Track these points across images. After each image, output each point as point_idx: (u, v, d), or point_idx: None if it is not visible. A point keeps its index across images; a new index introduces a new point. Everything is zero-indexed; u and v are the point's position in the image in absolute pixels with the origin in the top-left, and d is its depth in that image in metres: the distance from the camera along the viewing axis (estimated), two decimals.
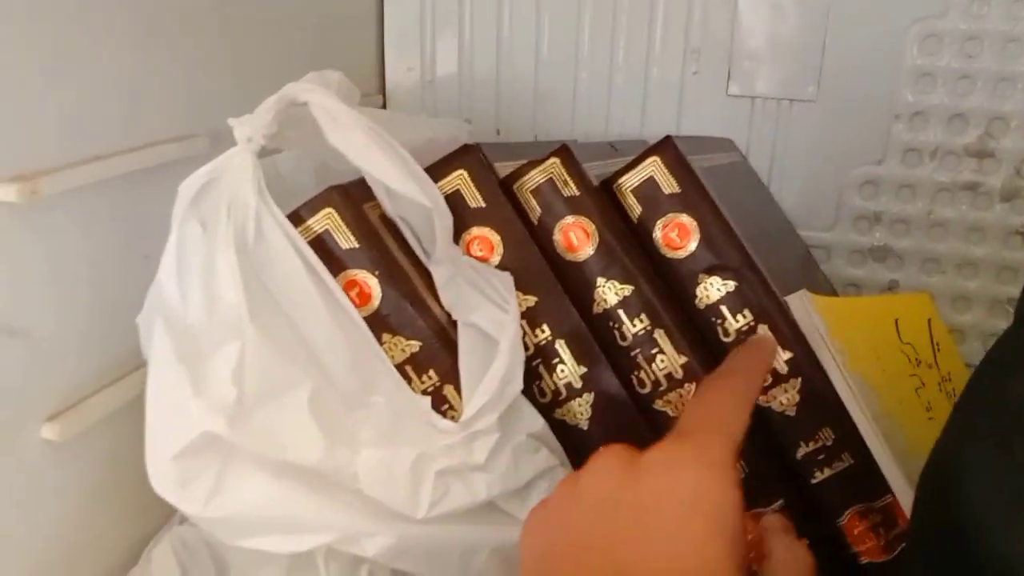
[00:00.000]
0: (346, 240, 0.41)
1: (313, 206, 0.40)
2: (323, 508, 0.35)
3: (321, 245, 0.40)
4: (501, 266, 0.43)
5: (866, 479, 0.43)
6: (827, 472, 0.43)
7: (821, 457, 0.43)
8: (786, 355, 0.43)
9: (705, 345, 0.44)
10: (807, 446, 0.43)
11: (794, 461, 0.43)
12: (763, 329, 0.43)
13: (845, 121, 0.59)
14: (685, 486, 0.27)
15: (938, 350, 0.56)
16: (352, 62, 0.66)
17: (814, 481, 0.43)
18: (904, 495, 0.42)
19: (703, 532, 0.26)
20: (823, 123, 0.59)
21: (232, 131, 0.49)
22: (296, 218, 0.40)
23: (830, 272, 0.61)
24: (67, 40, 0.40)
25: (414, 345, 0.41)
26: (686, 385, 0.43)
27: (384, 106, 0.67)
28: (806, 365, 0.43)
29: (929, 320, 0.57)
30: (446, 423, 0.38)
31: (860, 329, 0.51)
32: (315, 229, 0.40)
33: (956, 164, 0.58)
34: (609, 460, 0.29)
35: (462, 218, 0.43)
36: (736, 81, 0.60)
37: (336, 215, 0.40)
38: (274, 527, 0.35)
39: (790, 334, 0.43)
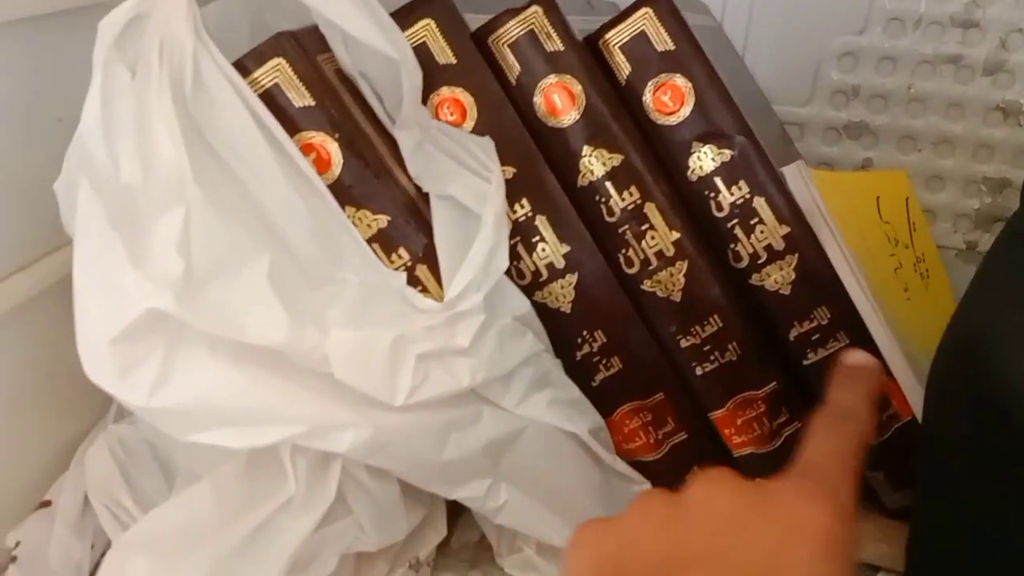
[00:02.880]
0: (300, 97, 0.35)
1: (259, 56, 0.35)
2: (289, 395, 0.31)
3: (271, 101, 0.34)
4: (474, 131, 0.38)
5: None
6: (820, 353, 0.41)
7: (815, 337, 0.41)
8: (783, 230, 0.40)
9: (695, 220, 0.40)
10: (800, 326, 0.41)
11: (786, 342, 0.41)
12: (760, 203, 0.40)
13: None
14: (820, 525, 0.24)
15: (914, 230, 0.55)
16: None
17: (806, 363, 0.41)
18: (902, 375, 0.40)
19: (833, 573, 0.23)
20: None
21: None
22: (240, 69, 0.34)
23: (804, 149, 0.58)
24: None
25: (381, 220, 0.36)
26: (677, 263, 0.40)
27: None
28: (803, 241, 0.40)
29: (906, 199, 0.55)
30: (427, 302, 0.33)
31: (844, 205, 0.49)
32: (263, 83, 0.35)
33: (940, 34, 0.55)
34: (723, 479, 0.26)
35: (429, 76, 0.38)
36: None
37: (287, 66, 0.35)
38: (232, 418, 0.31)
39: (787, 208, 0.40)
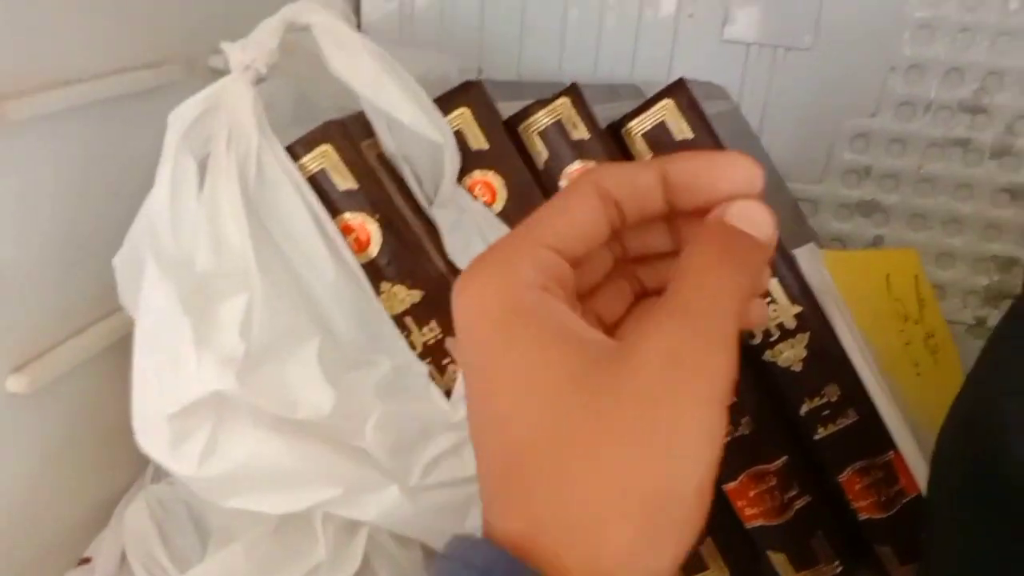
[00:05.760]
0: (343, 180, 0.38)
1: (309, 142, 0.37)
2: (324, 465, 0.33)
3: (316, 186, 0.37)
4: (503, 213, 0.41)
5: (869, 436, 0.42)
6: (830, 428, 0.42)
7: (825, 413, 0.42)
8: (795, 309, 0.42)
9: None
10: (811, 402, 0.42)
11: (797, 416, 0.43)
12: (772, 283, 0.42)
13: (840, 72, 0.57)
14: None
15: (923, 306, 0.56)
16: None
17: (816, 437, 0.43)
18: (908, 451, 0.41)
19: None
20: (818, 73, 0.57)
21: (207, 58, 0.45)
22: (290, 154, 0.37)
23: (816, 225, 0.60)
24: None
25: (415, 295, 0.38)
26: None
27: None
28: (814, 320, 0.42)
29: (916, 276, 0.57)
30: (443, 404, 0.35)
31: (855, 284, 0.51)
32: (310, 168, 0.37)
33: (949, 119, 0.57)
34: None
35: (463, 160, 0.40)
36: (732, 26, 0.57)
37: (334, 152, 0.37)
38: (271, 485, 0.33)
39: (798, 288, 0.42)
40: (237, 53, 0.34)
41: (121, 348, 0.35)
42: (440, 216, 0.39)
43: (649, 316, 0.21)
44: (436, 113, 0.36)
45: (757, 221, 0.23)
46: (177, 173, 0.32)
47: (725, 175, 0.24)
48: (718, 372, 0.20)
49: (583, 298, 0.26)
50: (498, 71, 0.62)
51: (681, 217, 0.25)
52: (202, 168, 0.34)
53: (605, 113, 0.45)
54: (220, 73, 0.36)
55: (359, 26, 0.62)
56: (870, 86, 0.57)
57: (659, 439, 0.20)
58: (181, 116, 0.33)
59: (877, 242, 0.61)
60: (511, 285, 0.22)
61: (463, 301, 0.22)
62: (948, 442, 0.35)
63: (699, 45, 0.58)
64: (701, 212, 0.24)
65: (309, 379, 0.31)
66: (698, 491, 0.20)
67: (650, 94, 0.42)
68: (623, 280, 0.27)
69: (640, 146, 0.42)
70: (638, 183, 0.24)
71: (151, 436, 0.31)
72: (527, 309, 0.21)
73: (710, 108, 0.51)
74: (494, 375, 0.21)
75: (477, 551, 0.20)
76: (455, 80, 0.49)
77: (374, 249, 0.38)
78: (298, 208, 0.34)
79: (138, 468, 0.45)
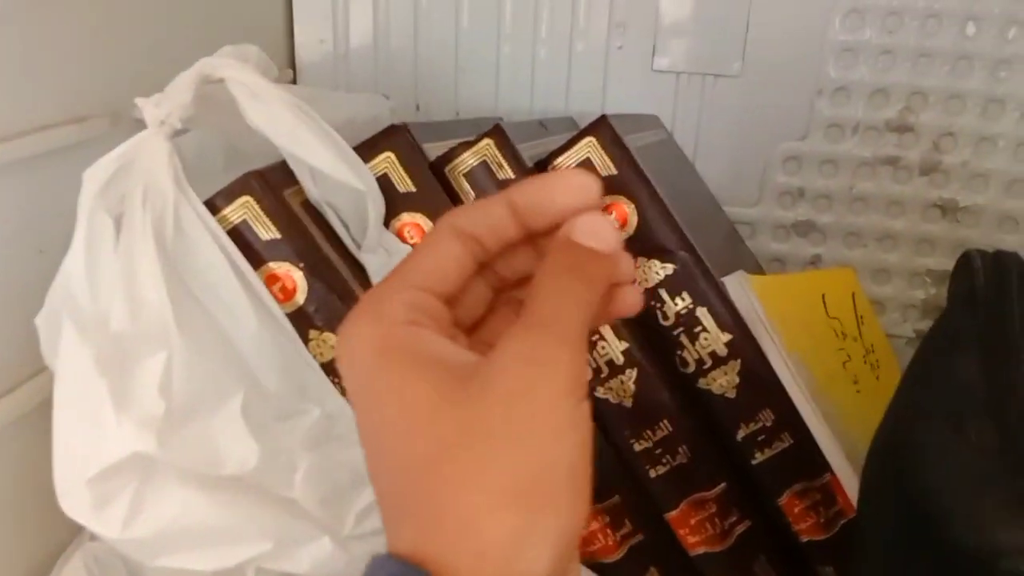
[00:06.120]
0: (266, 231, 0.38)
1: (229, 194, 0.37)
2: (253, 518, 0.33)
3: (239, 237, 0.37)
4: None
5: (805, 459, 0.43)
6: (767, 453, 0.43)
7: (761, 438, 0.43)
8: (725, 337, 0.42)
9: (645, 330, 0.43)
10: (747, 427, 0.43)
11: (734, 442, 0.43)
12: (702, 312, 0.42)
13: (769, 97, 0.58)
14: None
15: (862, 323, 0.57)
16: (258, 34, 0.62)
17: (754, 462, 0.43)
18: (843, 473, 0.42)
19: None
20: (748, 99, 0.59)
21: (131, 110, 0.45)
22: (211, 207, 0.37)
23: (754, 247, 0.61)
24: None
25: None
26: (627, 371, 0.42)
27: (294, 81, 0.63)
28: (745, 347, 0.42)
29: (853, 294, 0.58)
30: None
31: (790, 306, 0.52)
32: (231, 220, 0.37)
33: (877, 139, 0.58)
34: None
35: (391, 203, 0.41)
36: (661, 56, 0.58)
37: (255, 204, 0.37)
38: (199, 542, 0.33)
39: (729, 316, 0.43)
40: (151, 108, 0.34)
41: (49, 407, 0.35)
42: (368, 260, 0.39)
43: (509, 330, 0.23)
44: (357, 160, 0.37)
45: (599, 233, 0.25)
46: (92, 232, 0.32)
47: (559, 189, 0.26)
48: (569, 366, 0.22)
49: (471, 330, 0.28)
50: (436, 108, 0.62)
51: (543, 237, 0.27)
52: (119, 226, 0.33)
53: (536, 149, 0.45)
54: (145, 125, 0.36)
55: (294, 69, 0.62)
56: (799, 110, 0.58)
57: (522, 431, 0.22)
58: (96, 174, 0.32)
59: (815, 260, 0.62)
60: (383, 323, 0.24)
61: (342, 342, 0.24)
62: (873, 465, 0.35)
63: (630, 76, 0.59)
64: (555, 229, 0.26)
65: (233, 434, 0.31)
66: (569, 473, 0.22)
67: (584, 126, 0.43)
68: (506, 307, 0.29)
69: None
70: (491, 216, 0.26)
71: (73, 499, 0.30)
72: (398, 342, 0.23)
73: (643, 139, 0.52)
74: (373, 403, 0.23)
75: (381, 567, 0.22)
76: (387, 121, 0.49)
77: (300, 297, 0.38)
78: (218, 261, 0.34)
79: (77, 525, 0.44)
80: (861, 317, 0.57)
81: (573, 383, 0.22)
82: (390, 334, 0.24)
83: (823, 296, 0.55)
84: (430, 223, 0.41)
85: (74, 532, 0.44)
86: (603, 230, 0.25)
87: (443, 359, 0.23)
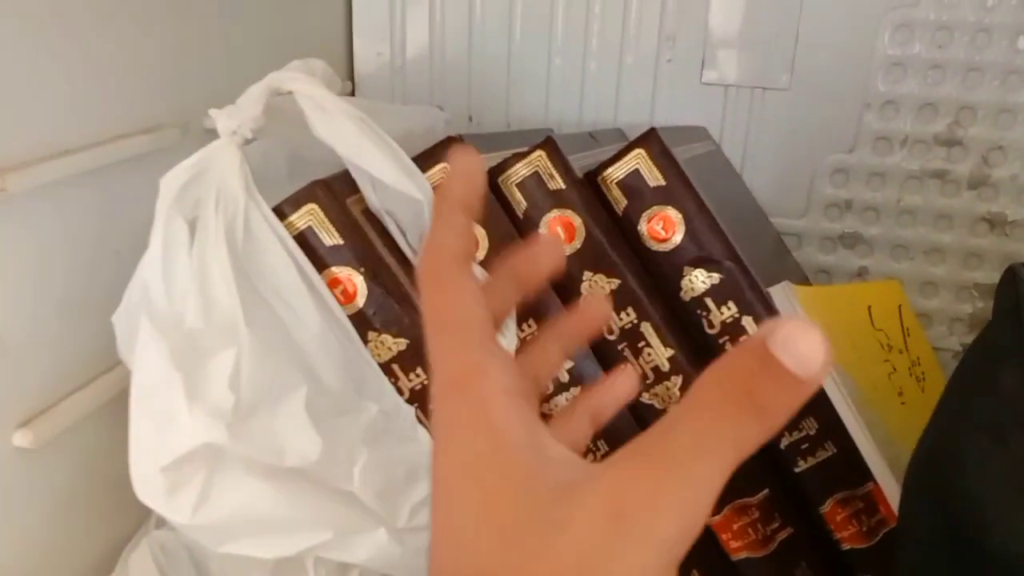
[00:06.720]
0: (329, 236, 0.40)
1: (295, 201, 0.39)
2: (314, 510, 0.34)
3: (304, 242, 0.39)
4: (486, 261, 0.43)
5: (848, 467, 0.43)
6: (810, 461, 0.44)
7: (804, 447, 0.43)
8: None
9: (691, 338, 0.44)
10: (790, 435, 0.44)
11: (777, 450, 0.44)
12: (748, 322, 0.43)
13: (817, 110, 0.59)
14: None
15: (908, 335, 0.58)
16: (319, 47, 0.64)
17: (797, 470, 0.44)
18: (886, 482, 0.42)
19: None
20: (796, 111, 0.59)
21: (201, 121, 0.48)
22: (278, 213, 0.39)
23: (801, 259, 0.62)
24: (31, 33, 0.38)
25: (401, 343, 0.40)
26: (673, 378, 0.43)
27: (353, 92, 0.65)
28: None
29: (899, 306, 0.58)
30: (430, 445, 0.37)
31: (836, 317, 0.52)
32: (298, 225, 0.39)
33: (925, 152, 0.58)
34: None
35: None
36: (710, 69, 0.59)
37: (319, 211, 0.39)
38: (262, 531, 0.34)
39: None
40: (224, 119, 0.36)
41: (123, 400, 0.37)
42: None
43: (625, 449, 0.19)
44: (415, 171, 0.38)
45: (803, 354, 0.18)
46: (168, 235, 0.34)
47: (532, 257, 0.28)
48: (672, 538, 0.17)
49: None
50: (488, 119, 0.64)
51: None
52: (194, 229, 0.36)
53: (586, 160, 0.46)
54: (215, 134, 0.39)
55: (352, 81, 0.65)
56: (847, 123, 0.59)
57: None
58: (172, 181, 0.35)
59: (862, 273, 0.62)
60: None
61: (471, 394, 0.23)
62: (915, 474, 0.36)
63: (679, 88, 0.60)
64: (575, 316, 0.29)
65: (296, 427, 0.32)
66: None
67: (633, 137, 0.44)
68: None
69: (616, 193, 0.44)
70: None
71: (147, 487, 0.32)
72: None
73: (692, 150, 0.53)
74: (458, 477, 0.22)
75: None
76: (442, 132, 0.51)
77: (360, 300, 0.40)
78: (284, 264, 0.36)
79: (143, 514, 0.46)
80: (907, 329, 0.58)
81: (669, 557, 0.18)
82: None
83: (869, 308, 0.55)
84: (482, 231, 0.43)
85: (140, 521, 0.46)
86: (810, 349, 0.18)
87: (541, 472, 0.20)
